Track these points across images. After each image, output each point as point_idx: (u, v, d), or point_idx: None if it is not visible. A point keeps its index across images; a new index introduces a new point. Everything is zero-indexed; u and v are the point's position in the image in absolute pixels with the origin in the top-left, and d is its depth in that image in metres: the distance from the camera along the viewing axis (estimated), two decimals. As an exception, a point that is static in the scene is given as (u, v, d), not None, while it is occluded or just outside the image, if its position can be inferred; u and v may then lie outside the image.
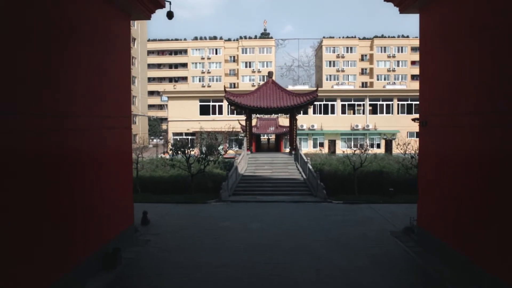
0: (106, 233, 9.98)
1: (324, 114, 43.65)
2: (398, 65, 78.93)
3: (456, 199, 9.37)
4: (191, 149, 21.45)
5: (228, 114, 42.04)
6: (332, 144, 43.60)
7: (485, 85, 8.27)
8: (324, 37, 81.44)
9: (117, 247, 9.88)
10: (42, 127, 7.16)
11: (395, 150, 32.42)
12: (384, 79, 77.54)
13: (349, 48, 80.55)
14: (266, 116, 36.89)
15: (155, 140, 61.17)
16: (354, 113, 44.09)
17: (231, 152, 33.59)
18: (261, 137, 45.88)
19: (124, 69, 11.58)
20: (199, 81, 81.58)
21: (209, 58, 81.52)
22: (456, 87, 9.45)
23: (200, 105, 43.20)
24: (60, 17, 7.91)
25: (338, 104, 43.62)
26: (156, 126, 67.68)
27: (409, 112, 42.79)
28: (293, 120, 28.05)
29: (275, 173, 23.86)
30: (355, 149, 22.67)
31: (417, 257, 10.29)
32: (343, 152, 23.77)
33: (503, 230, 7.49)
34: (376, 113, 43.51)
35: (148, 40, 69.56)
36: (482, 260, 8.12)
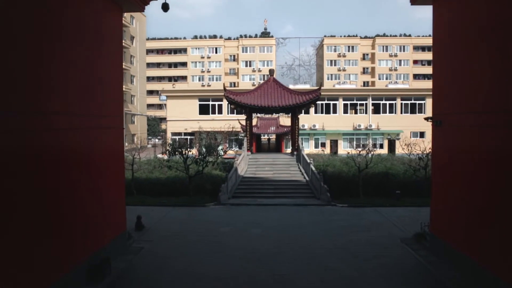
0: (94, 242, 9.21)
1: (326, 113, 42.79)
2: (400, 64, 78.10)
3: (477, 205, 8.57)
4: (189, 149, 20.61)
5: (228, 114, 41.23)
6: (334, 144, 42.77)
7: None
8: (325, 36, 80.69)
9: (107, 256, 9.14)
10: (17, 127, 6.38)
11: (399, 151, 31.60)
12: (386, 79, 76.74)
13: (350, 47, 79.78)
14: (267, 116, 36.09)
15: (153, 140, 60.43)
16: (356, 113, 43.21)
17: (230, 153, 32.68)
18: (262, 137, 45.07)
19: (115, 65, 10.79)
20: (199, 80, 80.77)
21: (209, 57, 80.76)
22: (478, 83, 8.63)
23: (200, 105, 42.38)
24: (42, 7, 7.12)
25: (340, 103, 42.77)
26: (155, 126, 66.93)
27: (413, 111, 41.81)
28: (295, 120, 27.20)
29: (276, 174, 23.02)
30: (359, 149, 21.79)
31: (432, 268, 9.52)
32: (348, 153, 22.85)
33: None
34: (379, 113, 42.61)
35: (147, 39, 68.73)
36: (509, 274, 7.30)
